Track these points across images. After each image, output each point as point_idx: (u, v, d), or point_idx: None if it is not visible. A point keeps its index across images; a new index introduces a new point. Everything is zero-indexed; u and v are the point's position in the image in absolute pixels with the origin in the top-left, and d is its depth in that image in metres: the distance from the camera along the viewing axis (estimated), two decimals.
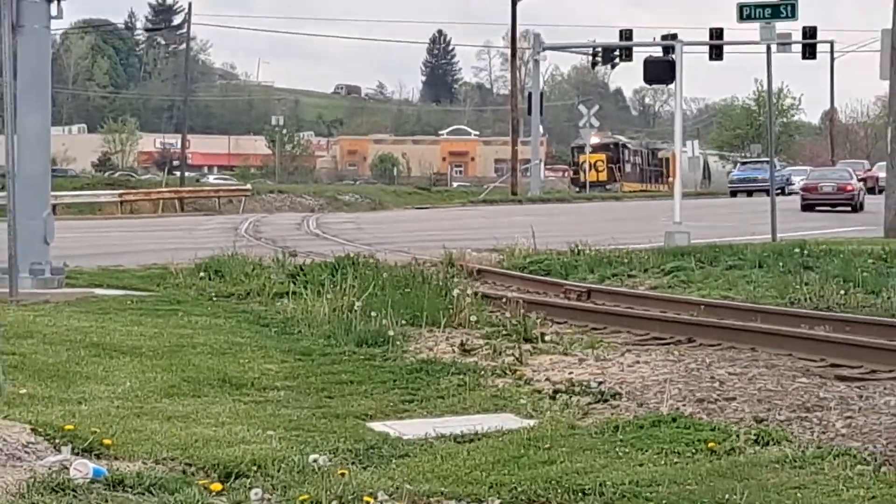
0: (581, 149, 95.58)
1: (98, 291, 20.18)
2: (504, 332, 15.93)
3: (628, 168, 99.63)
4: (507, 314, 16.88)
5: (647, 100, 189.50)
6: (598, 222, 44.05)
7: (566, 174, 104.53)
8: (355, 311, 16.48)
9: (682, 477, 9.15)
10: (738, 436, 10.30)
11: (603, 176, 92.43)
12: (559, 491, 8.76)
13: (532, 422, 11.24)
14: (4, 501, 8.05)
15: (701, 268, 24.25)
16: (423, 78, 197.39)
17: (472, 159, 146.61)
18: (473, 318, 17.04)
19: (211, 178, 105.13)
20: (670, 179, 76.17)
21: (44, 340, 14.42)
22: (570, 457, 9.74)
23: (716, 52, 68.41)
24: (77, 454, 9.14)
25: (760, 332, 15.78)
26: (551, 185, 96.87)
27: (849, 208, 54.67)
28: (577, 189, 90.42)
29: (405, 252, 26.84)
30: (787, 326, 16.24)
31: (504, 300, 18.44)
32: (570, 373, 13.51)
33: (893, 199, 38.19)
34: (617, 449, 10.03)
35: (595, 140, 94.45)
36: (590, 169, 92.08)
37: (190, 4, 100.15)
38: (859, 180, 60.22)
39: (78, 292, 19.77)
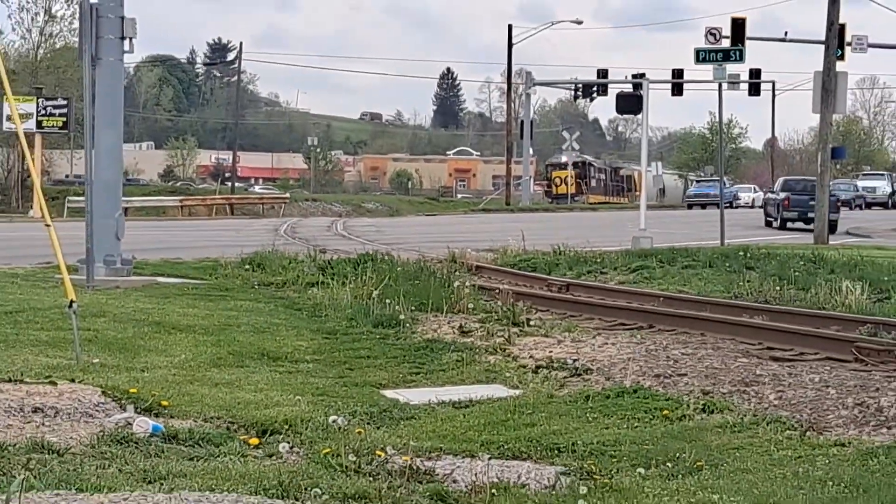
0: (554, 166, 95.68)
1: (160, 279, 20.18)
2: (496, 318, 15.93)
3: (594, 183, 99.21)
4: (499, 303, 16.88)
5: (619, 127, 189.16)
6: (576, 228, 44.01)
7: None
8: (373, 298, 16.50)
9: (641, 438, 9.16)
10: (688, 405, 10.32)
11: (572, 189, 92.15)
12: (538, 448, 8.77)
13: (517, 391, 11.26)
14: (79, 450, 8.06)
15: (661, 267, 24.24)
16: (434, 107, 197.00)
17: (474, 175, 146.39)
18: (471, 306, 17.06)
19: (256, 188, 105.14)
20: (637, 193, 76.34)
21: (114, 319, 14.44)
22: (548, 421, 9.75)
23: (677, 89, 68.40)
24: (139, 413, 9.15)
25: (709, 320, 15.78)
26: (539, 197, 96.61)
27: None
28: (550, 200, 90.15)
29: (416, 251, 26.82)
30: (731, 316, 16.24)
31: (497, 291, 18.45)
32: (550, 352, 13.52)
33: (821, 213, 38.35)
34: (587, 415, 10.04)
35: (565, 159, 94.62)
36: (561, 183, 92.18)
37: (241, 44, 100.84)
38: None
39: (143, 280, 19.78)
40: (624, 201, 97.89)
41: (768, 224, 52.46)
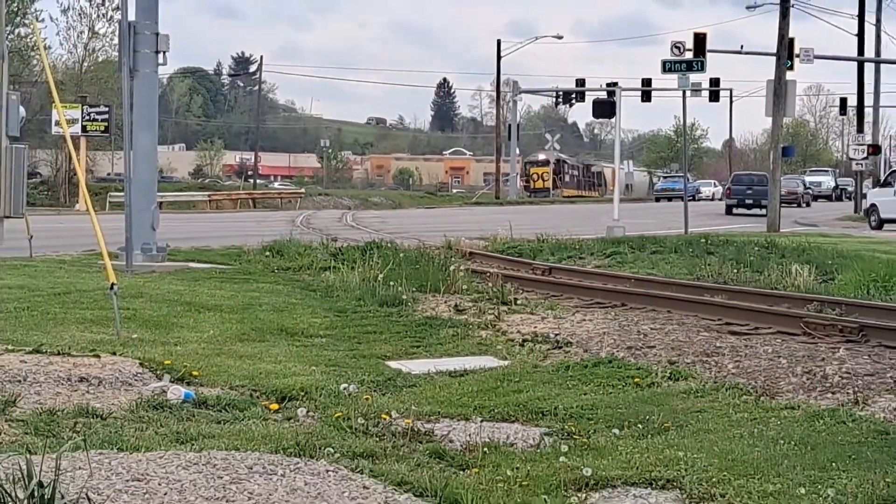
0: (532, 163, 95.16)
1: (191, 265, 20.16)
2: (487, 297, 15.92)
3: (567, 178, 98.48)
4: (490, 284, 16.87)
5: (595, 130, 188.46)
6: (556, 219, 44.01)
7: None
8: (379, 281, 16.48)
9: (615, 403, 9.15)
10: (656, 373, 10.31)
11: (548, 184, 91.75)
12: (525, 412, 8.77)
13: (506, 362, 11.25)
14: (120, 415, 8.05)
15: (632, 252, 24.24)
16: (432, 112, 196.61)
17: (467, 172, 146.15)
18: (465, 287, 17.04)
19: (276, 185, 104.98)
20: (610, 189, 76.20)
21: (150, 300, 14.43)
22: (533, 388, 9.75)
23: (646, 96, 68.28)
24: (173, 382, 9.14)
25: (674, 299, 15.78)
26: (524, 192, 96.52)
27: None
28: (528, 194, 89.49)
29: (416, 239, 26.80)
30: (694, 295, 16.24)
31: (488, 274, 18.45)
32: (535, 327, 13.51)
33: (773, 204, 38.44)
34: (568, 382, 10.04)
35: (542, 157, 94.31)
36: (538, 178, 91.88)
37: (261, 57, 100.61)
38: None
39: (176, 265, 19.76)
40: (595, 195, 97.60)
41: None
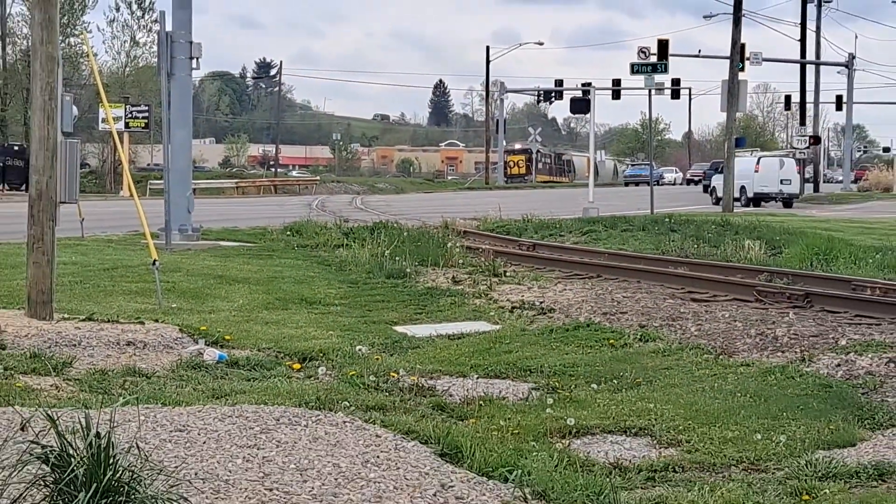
0: (509, 152, 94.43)
1: (222, 243, 20.10)
2: (480, 270, 15.92)
3: (540, 166, 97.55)
4: (482, 259, 16.87)
5: (572, 124, 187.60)
6: (538, 202, 43.91)
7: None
8: (385, 256, 16.47)
9: (593, 361, 9.16)
10: (628, 336, 10.32)
11: (523, 170, 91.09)
12: (515, 370, 8.78)
13: (498, 327, 11.25)
14: (162, 374, 8.05)
15: (606, 230, 24.23)
16: (430, 109, 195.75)
17: (461, 162, 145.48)
18: (461, 261, 17.04)
19: (294, 173, 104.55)
20: (585, 174, 75.89)
21: (187, 274, 14.40)
22: (521, 349, 9.75)
23: (616, 94, 68.16)
24: (208, 345, 9.14)
25: (643, 270, 15.79)
26: None
27: None
28: (506, 180, 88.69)
29: (417, 220, 26.74)
30: (660, 267, 16.26)
31: (480, 250, 18.44)
32: (522, 296, 13.52)
33: (727, 187, 38.38)
34: (552, 344, 10.04)
35: (518, 146, 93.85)
36: (514, 165, 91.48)
37: (281, 62, 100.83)
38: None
39: (209, 244, 19.71)
40: (566, 181, 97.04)
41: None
